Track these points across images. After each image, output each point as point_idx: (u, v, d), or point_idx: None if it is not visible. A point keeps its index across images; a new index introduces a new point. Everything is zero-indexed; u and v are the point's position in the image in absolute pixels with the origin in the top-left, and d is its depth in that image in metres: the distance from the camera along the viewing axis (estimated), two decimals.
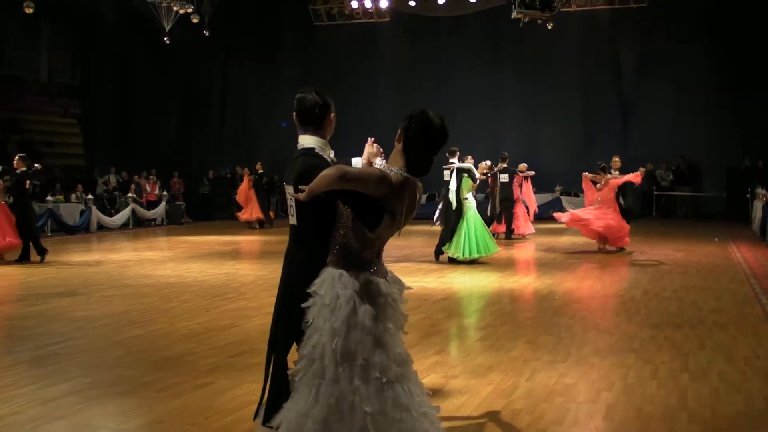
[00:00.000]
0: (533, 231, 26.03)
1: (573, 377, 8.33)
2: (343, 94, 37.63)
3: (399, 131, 5.46)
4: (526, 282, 15.38)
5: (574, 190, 32.23)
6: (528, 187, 26.42)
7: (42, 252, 19.67)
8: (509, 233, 25.19)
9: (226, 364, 9.06)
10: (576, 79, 35.27)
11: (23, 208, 19.68)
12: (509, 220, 25.25)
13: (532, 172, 25.92)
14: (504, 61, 36.14)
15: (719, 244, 22.36)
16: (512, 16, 27.93)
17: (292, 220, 5.49)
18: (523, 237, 25.45)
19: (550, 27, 31.79)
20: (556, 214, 22.57)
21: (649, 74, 34.63)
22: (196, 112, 39.91)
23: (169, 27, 32.03)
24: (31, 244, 19.78)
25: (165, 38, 32.18)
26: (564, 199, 32.98)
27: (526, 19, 29.32)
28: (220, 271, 17.53)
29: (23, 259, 19.68)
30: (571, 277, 16.29)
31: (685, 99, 33.33)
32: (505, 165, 25.09)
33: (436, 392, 7.84)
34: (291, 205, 5.46)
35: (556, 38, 34.00)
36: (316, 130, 5.80)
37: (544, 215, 30.47)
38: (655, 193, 33.79)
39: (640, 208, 23.89)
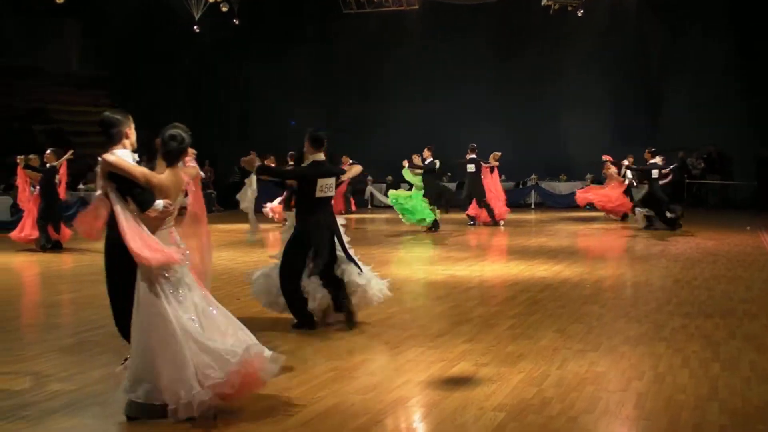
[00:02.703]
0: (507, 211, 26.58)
1: (604, 366, 8.32)
2: (369, 83, 37.79)
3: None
4: (556, 270, 15.34)
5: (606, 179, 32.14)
6: (495, 177, 26.36)
7: (44, 246, 19.83)
8: (494, 220, 25.56)
9: None
10: (603, 68, 35.04)
11: (50, 200, 19.79)
12: (489, 208, 25.61)
13: (497, 163, 26.07)
14: (531, 50, 35.87)
15: (750, 233, 22.20)
16: (542, 3, 27.87)
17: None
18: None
19: (580, 14, 31.71)
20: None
21: (678, 62, 34.38)
22: (221, 102, 39.97)
23: (198, 15, 32.11)
24: (54, 230, 19.91)
25: (195, 27, 32.25)
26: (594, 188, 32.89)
27: (556, 6, 29.26)
28: (250, 258, 17.59)
29: (55, 247, 19.82)
30: (601, 265, 16.24)
31: (714, 87, 33.04)
32: (473, 155, 25.46)
33: (467, 380, 7.86)
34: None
35: (582, 27, 33.85)
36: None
37: (573, 204, 30.42)
38: (687, 181, 33.61)
39: (669, 197, 23.85)
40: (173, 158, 7.01)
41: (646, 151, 23.41)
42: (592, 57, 35.01)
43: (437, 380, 7.89)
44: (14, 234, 20.24)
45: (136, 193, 6.71)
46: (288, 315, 10.36)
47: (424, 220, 23.41)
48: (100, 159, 6.66)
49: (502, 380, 7.81)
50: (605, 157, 26.26)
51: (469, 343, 9.37)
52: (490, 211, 25.46)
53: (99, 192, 6.81)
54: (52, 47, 38.62)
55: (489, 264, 16.59)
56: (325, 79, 38.72)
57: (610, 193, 26.24)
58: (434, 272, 15.43)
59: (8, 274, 16.98)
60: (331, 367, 8.39)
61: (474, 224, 25.49)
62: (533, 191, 34.59)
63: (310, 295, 10.14)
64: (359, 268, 10.43)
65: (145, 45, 37.99)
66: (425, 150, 24.04)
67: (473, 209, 25.74)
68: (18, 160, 20.13)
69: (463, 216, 26.10)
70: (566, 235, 22.53)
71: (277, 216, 25.34)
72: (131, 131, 7.12)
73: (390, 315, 11.27)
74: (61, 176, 20.31)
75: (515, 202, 33.60)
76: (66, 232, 20.23)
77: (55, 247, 19.83)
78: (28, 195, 20.10)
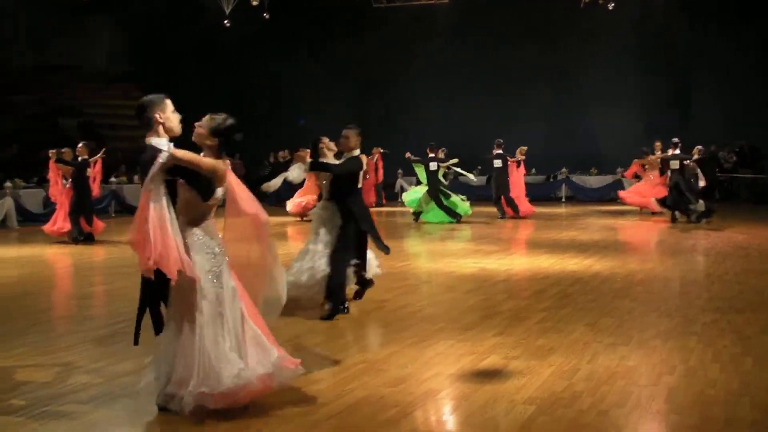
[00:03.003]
0: (532, 211, 26.88)
1: (634, 360, 8.29)
2: (398, 77, 37.76)
3: None
4: (587, 264, 15.29)
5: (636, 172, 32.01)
6: (521, 172, 26.79)
7: (76, 238, 19.94)
8: (518, 215, 26.02)
9: (282, 344, 9.09)
10: (634, 62, 34.89)
11: (82, 193, 19.89)
12: (511, 202, 26.08)
13: (523, 157, 26.45)
14: (561, 44, 35.80)
15: None
16: None
17: None
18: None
19: (611, 7, 31.57)
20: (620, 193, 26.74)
21: (709, 56, 34.18)
22: (247, 95, 40.04)
23: (229, 10, 32.21)
24: (86, 223, 20.03)
25: (225, 21, 32.35)
26: (625, 182, 32.72)
27: None
28: (280, 251, 17.61)
29: (87, 239, 19.94)
30: (632, 259, 16.17)
31: (745, 81, 32.86)
32: (499, 151, 25.91)
33: (497, 373, 7.85)
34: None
35: (613, 20, 33.69)
36: None
37: (604, 198, 30.36)
38: (719, 175, 33.38)
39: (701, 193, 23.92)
40: (235, 148, 7.10)
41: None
42: (622, 50, 34.89)
43: (467, 373, 7.88)
44: (47, 227, 20.43)
45: (202, 183, 6.70)
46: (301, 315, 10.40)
47: (451, 213, 23.83)
48: (165, 155, 6.49)
49: (532, 374, 7.80)
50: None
51: (499, 337, 9.36)
52: (515, 206, 25.87)
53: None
54: (83, 43, 38.89)
55: (519, 257, 16.56)
56: (353, 72, 38.74)
57: (645, 189, 26.08)
58: (464, 265, 15.42)
59: (41, 266, 17.11)
60: (361, 360, 8.40)
61: (503, 217, 25.55)
62: (564, 185, 34.52)
63: (349, 279, 10.83)
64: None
65: (176, 39, 38.13)
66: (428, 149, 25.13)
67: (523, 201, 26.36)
68: (50, 154, 20.25)
69: (493, 209, 26.16)
70: (597, 228, 22.45)
71: (299, 209, 25.17)
72: (166, 115, 6.84)
73: (420, 308, 11.28)
74: (95, 173, 20.45)
75: (545, 196, 33.64)
76: (98, 224, 20.39)
77: (87, 239, 19.96)
78: (60, 188, 20.25)
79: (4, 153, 30.37)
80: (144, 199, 6.42)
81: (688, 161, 23.53)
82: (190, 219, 6.81)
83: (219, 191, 6.81)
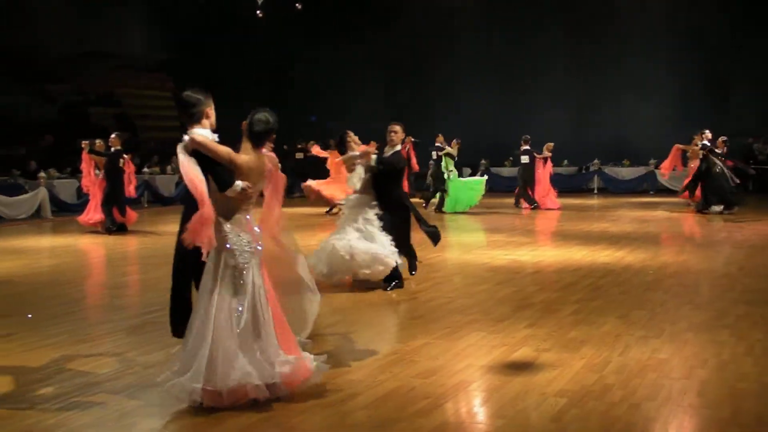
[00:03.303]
0: (557, 206, 26.55)
1: (666, 353, 8.26)
2: (432, 68, 37.72)
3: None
4: (619, 256, 15.24)
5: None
6: (548, 168, 26.97)
7: (109, 228, 20.04)
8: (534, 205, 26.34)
9: (315, 335, 9.12)
10: (668, 52, 34.64)
11: (115, 184, 20.00)
12: (526, 196, 26.61)
13: (549, 154, 26.60)
14: (594, 34, 35.62)
15: None
16: None
17: None
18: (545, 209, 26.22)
19: None
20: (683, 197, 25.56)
21: (744, 47, 33.92)
22: (281, 86, 40.12)
23: (261, 0, 32.24)
24: (119, 213, 20.14)
25: (258, 12, 32.38)
26: (658, 172, 32.54)
27: None
28: (313, 242, 17.64)
29: (120, 229, 20.06)
30: (664, 251, 16.10)
31: None
32: (526, 147, 26.22)
33: (528, 365, 7.85)
34: None
35: (647, 9, 33.52)
36: None
37: (636, 189, 30.25)
38: (753, 167, 33.11)
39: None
40: (259, 141, 7.04)
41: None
42: (656, 40, 34.67)
43: (498, 365, 7.89)
44: (81, 218, 20.57)
45: (218, 172, 6.77)
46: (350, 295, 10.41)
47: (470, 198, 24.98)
48: (185, 137, 6.69)
49: (563, 366, 7.79)
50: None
51: (530, 329, 9.35)
52: (531, 200, 26.37)
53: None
54: (119, 32, 39.10)
55: (550, 249, 16.52)
56: (385, 60, 38.77)
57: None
58: (496, 257, 15.41)
59: (74, 256, 17.24)
60: (392, 351, 8.43)
61: (535, 208, 25.60)
62: (596, 176, 34.34)
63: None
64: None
65: (210, 29, 38.26)
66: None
67: (537, 195, 26.32)
68: (83, 145, 20.38)
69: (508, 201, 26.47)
70: (629, 220, 22.35)
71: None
72: (211, 111, 7.10)
73: (451, 299, 11.29)
74: (130, 174, 20.58)
75: (577, 187, 33.55)
76: (131, 214, 20.51)
77: (120, 229, 20.06)
78: (93, 179, 20.35)
79: (39, 143, 30.54)
80: (188, 170, 6.62)
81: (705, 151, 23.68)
82: (219, 212, 6.83)
83: (238, 184, 6.77)
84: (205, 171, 6.71)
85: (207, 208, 6.52)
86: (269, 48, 39.33)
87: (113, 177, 19.94)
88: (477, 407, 6.86)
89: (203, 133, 6.86)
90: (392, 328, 9.66)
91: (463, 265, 14.56)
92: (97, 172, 20.27)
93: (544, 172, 26.52)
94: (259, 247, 6.98)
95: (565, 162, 34.23)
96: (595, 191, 33.96)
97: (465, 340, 8.87)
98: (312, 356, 7.07)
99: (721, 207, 23.01)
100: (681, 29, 34.54)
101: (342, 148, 12.47)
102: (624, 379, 7.37)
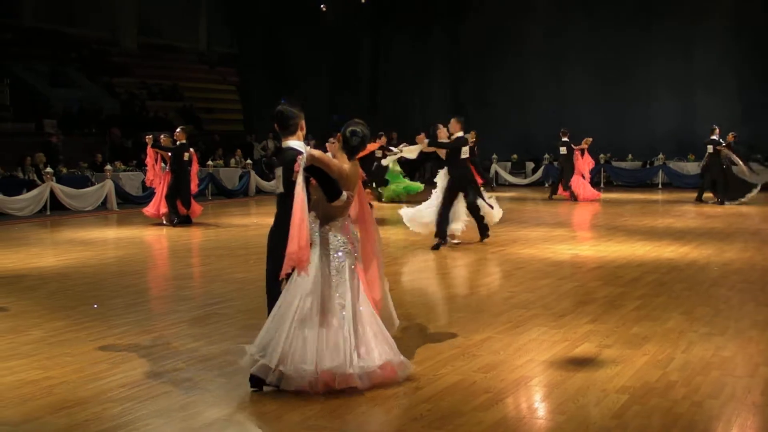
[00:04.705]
0: (598, 195, 28.00)
1: (730, 350, 8.19)
2: (497, 60, 37.59)
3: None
4: (683, 252, 15.10)
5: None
6: (585, 159, 27.55)
7: (173, 221, 20.23)
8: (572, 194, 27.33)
9: None
10: (735, 45, 34.15)
11: (180, 177, 20.17)
12: (554, 186, 28.46)
13: (586, 146, 27.07)
14: (661, 26, 35.26)
15: None
16: None
17: None
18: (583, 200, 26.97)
19: None
20: None
21: None
22: (345, 81, 40.23)
23: None
24: (184, 206, 20.32)
25: (322, 6, 32.51)
26: None
27: None
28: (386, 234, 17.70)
29: (184, 221, 20.24)
30: (730, 248, 15.90)
31: None
32: (565, 139, 27.25)
33: (590, 361, 7.82)
34: None
35: (714, 1, 33.12)
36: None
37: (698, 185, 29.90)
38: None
39: None
40: (354, 152, 7.41)
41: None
42: (723, 33, 34.19)
43: (560, 360, 7.87)
44: (146, 210, 20.79)
45: (330, 184, 7.10)
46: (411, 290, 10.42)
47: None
48: (304, 154, 6.99)
49: (625, 362, 7.75)
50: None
51: (592, 324, 9.32)
52: (555, 190, 28.08)
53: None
54: (184, 26, 39.46)
55: (614, 244, 16.40)
56: (454, 55, 38.77)
57: None
58: (559, 251, 15.36)
59: (139, 248, 17.43)
60: (454, 345, 8.44)
61: (575, 200, 25.96)
62: (660, 171, 33.96)
63: (457, 216, 15.74)
64: (489, 205, 16.48)
65: (274, 23, 38.46)
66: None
67: (574, 186, 27.23)
68: (147, 140, 20.60)
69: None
70: (693, 216, 22.14)
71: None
72: (303, 122, 7.40)
73: (513, 294, 11.27)
74: (193, 175, 20.77)
75: (642, 182, 33.22)
76: (196, 207, 20.71)
77: (184, 221, 20.25)
78: (157, 172, 20.55)
79: (105, 136, 30.91)
80: (298, 200, 6.86)
81: (721, 146, 24.87)
82: (321, 216, 7.22)
83: (344, 195, 7.14)
84: (321, 183, 7.14)
85: (306, 234, 6.83)
86: (334, 41, 39.46)
87: (178, 170, 20.13)
88: (538, 402, 6.86)
89: (295, 145, 7.25)
90: (454, 322, 9.65)
91: (525, 260, 14.51)
92: (163, 165, 20.48)
93: (582, 163, 27.17)
94: (354, 248, 7.32)
95: (630, 157, 33.96)
96: (660, 186, 33.61)
97: (527, 335, 8.86)
98: (402, 358, 7.26)
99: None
100: (747, 20, 34.01)
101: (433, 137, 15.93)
102: (687, 376, 7.32)
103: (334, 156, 7.28)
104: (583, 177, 27.35)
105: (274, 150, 34.65)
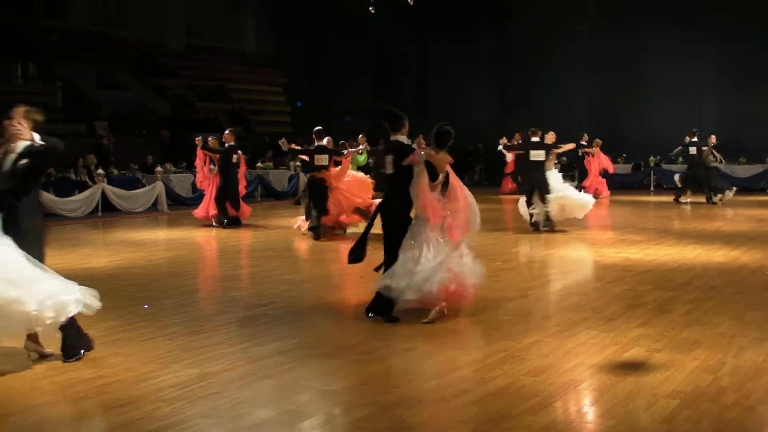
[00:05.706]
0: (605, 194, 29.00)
1: None
2: (543, 59, 37.51)
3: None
4: (734, 256, 14.96)
5: None
6: (596, 159, 29.10)
7: (222, 222, 20.32)
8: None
9: (427, 330, 9.18)
10: None
11: (229, 179, 20.29)
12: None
13: (596, 148, 28.89)
14: (707, 24, 34.93)
15: None
16: None
17: None
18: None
19: None
20: None
21: None
22: (391, 82, 40.24)
23: None
24: (233, 208, 20.44)
25: (370, 8, 32.59)
26: None
27: None
28: None
29: (233, 223, 20.35)
30: None
31: None
32: (583, 142, 28.62)
33: (640, 365, 7.77)
34: None
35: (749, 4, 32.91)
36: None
37: (752, 187, 29.65)
38: None
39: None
40: (444, 145, 9.92)
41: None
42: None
43: (609, 364, 7.83)
44: (196, 212, 20.92)
45: (433, 171, 9.67)
46: None
47: None
48: (420, 151, 9.79)
49: (675, 367, 7.70)
50: None
51: (642, 328, 9.26)
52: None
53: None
54: (229, 27, 39.70)
55: (664, 247, 16.28)
56: (500, 54, 38.75)
57: None
58: (609, 254, 15.27)
59: (189, 249, 17.56)
60: (503, 348, 8.42)
61: (597, 198, 26.03)
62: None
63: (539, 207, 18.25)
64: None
65: (321, 24, 38.57)
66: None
67: (593, 185, 28.18)
68: (196, 141, 20.75)
69: (627, 198, 26.34)
70: (744, 219, 21.93)
71: None
72: (407, 123, 10.14)
73: (563, 297, 11.25)
74: (241, 177, 20.90)
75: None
76: (245, 209, 20.82)
77: (234, 223, 20.37)
78: (206, 174, 20.70)
79: (155, 138, 31.19)
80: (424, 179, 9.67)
81: (705, 147, 26.22)
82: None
83: (441, 176, 9.75)
84: (427, 168, 9.61)
85: (431, 197, 9.70)
86: (380, 43, 39.51)
87: (227, 172, 20.25)
88: (587, 407, 6.83)
89: (404, 139, 10.08)
90: (502, 325, 9.63)
91: (575, 263, 14.46)
92: (212, 167, 20.62)
93: (593, 164, 28.70)
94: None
95: (680, 160, 33.73)
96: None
97: (576, 338, 8.83)
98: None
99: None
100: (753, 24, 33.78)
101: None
102: (738, 381, 7.26)
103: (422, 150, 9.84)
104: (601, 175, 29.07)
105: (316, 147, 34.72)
